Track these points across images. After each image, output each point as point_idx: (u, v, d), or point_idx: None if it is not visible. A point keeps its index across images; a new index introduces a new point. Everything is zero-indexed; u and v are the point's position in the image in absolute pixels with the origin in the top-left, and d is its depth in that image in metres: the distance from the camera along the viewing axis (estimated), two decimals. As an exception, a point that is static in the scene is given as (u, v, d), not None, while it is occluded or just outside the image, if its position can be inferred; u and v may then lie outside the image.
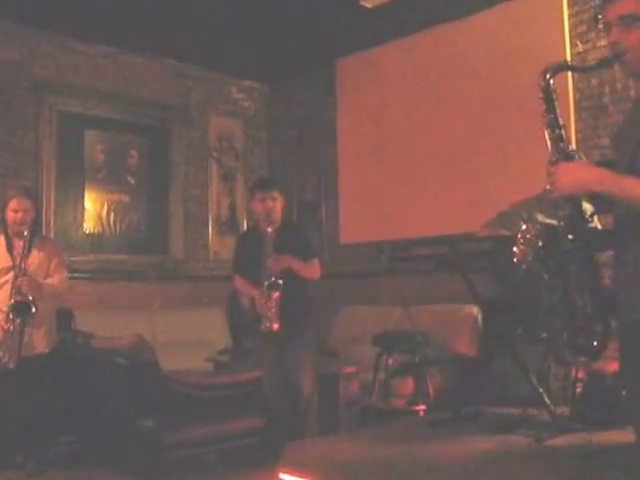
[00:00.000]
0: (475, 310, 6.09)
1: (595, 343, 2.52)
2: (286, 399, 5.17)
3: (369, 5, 6.62)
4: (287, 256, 5.14)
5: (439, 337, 5.95)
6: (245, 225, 8.58)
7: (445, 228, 6.09)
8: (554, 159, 2.55)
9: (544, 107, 2.62)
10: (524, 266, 2.86)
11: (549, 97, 2.61)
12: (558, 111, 2.60)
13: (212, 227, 8.42)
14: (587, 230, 2.56)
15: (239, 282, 5.44)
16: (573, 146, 5.84)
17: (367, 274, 7.34)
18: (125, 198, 7.78)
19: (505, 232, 4.20)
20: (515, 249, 2.90)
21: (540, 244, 2.77)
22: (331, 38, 7.48)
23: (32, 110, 7.14)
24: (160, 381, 5.24)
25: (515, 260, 2.89)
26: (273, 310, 5.01)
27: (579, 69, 2.71)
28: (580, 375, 3.79)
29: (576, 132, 6.02)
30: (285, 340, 5.13)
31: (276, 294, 5.01)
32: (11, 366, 5.13)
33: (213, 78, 8.54)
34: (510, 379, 4.05)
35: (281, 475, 3.28)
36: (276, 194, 5.33)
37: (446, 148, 6.98)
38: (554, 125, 2.59)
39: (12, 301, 5.19)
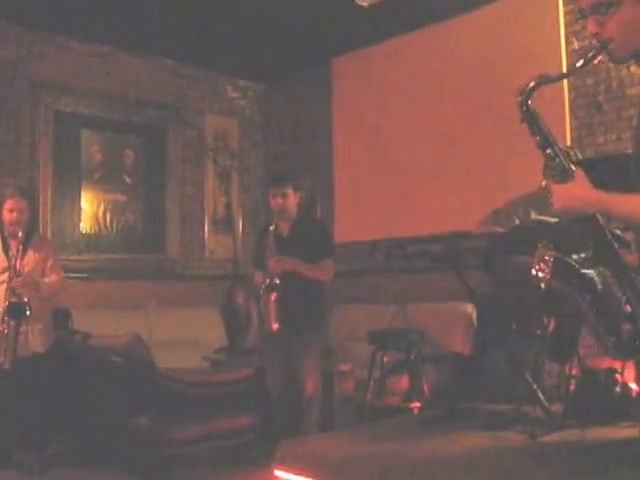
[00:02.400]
0: (470, 308, 6.09)
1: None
2: (289, 397, 5.17)
3: (365, 4, 6.61)
4: (291, 259, 5.08)
5: (434, 335, 5.95)
6: (241, 224, 8.60)
7: (440, 226, 6.09)
8: (551, 177, 2.39)
9: (529, 129, 2.42)
10: (547, 288, 2.74)
11: (531, 117, 2.42)
12: (544, 129, 2.42)
13: (208, 226, 8.42)
14: (606, 233, 2.38)
15: (258, 277, 5.36)
16: (568, 143, 5.87)
17: (362, 272, 7.34)
18: (121, 198, 7.78)
19: (500, 229, 4.22)
20: (540, 275, 2.79)
21: (552, 260, 2.67)
22: (327, 37, 7.48)
23: (28, 110, 7.15)
24: (156, 379, 5.25)
25: (542, 286, 2.79)
26: (272, 311, 4.97)
27: (560, 77, 2.52)
28: (574, 372, 3.80)
29: (571, 130, 6.03)
30: (291, 340, 5.11)
31: (273, 295, 4.97)
32: (7, 366, 5.14)
33: (209, 77, 8.54)
34: (504, 376, 4.06)
35: (276, 472, 3.29)
36: (288, 190, 5.29)
37: (442, 146, 6.99)
38: (545, 145, 2.41)
39: (6, 303, 5.20)
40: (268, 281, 5.00)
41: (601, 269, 2.44)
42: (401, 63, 7.42)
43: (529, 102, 2.42)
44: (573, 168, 2.34)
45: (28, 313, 5.19)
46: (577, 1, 2.37)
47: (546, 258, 2.71)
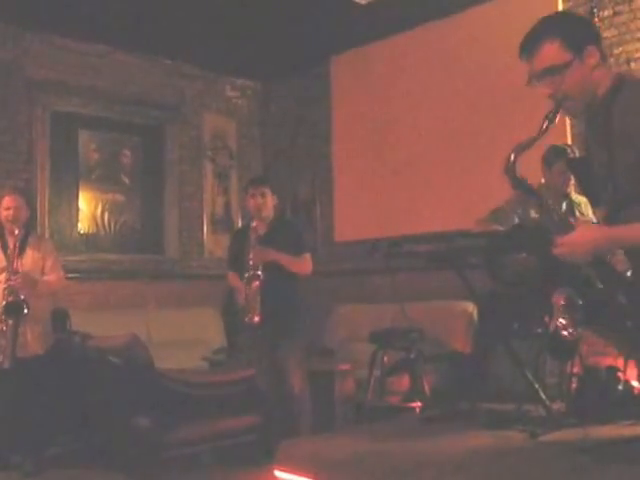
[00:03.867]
0: (470, 306, 6.09)
1: None
2: (279, 396, 5.19)
3: (363, 2, 6.61)
4: (271, 249, 5.19)
5: (435, 334, 5.95)
6: (239, 223, 8.58)
7: (440, 225, 6.09)
8: (554, 230, 2.55)
9: (525, 194, 2.69)
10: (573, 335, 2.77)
11: (524, 187, 2.65)
12: (535, 191, 2.68)
13: (207, 226, 8.42)
14: (615, 274, 2.51)
15: (232, 278, 5.51)
16: (568, 141, 5.85)
17: (362, 272, 7.33)
18: (119, 197, 7.78)
19: (499, 227, 4.21)
20: (562, 322, 2.81)
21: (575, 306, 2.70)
22: (325, 35, 7.48)
23: (26, 110, 7.15)
24: (155, 380, 5.23)
25: (566, 334, 2.81)
26: (254, 302, 5.06)
27: (532, 141, 2.71)
28: (575, 370, 3.78)
29: (571, 127, 6.02)
30: (274, 338, 5.18)
31: (255, 284, 5.06)
32: (6, 366, 5.12)
33: (207, 77, 8.54)
34: (505, 375, 4.05)
35: (276, 473, 3.27)
36: (266, 190, 5.40)
37: (441, 145, 6.99)
38: (541, 205, 2.65)
39: (4, 302, 5.18)
40: (251, 272, 5.09)
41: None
42: (400, 61, 7.42)
43: (516, 174, 2.62)
44: (572, 219, 2.57)
45: (26, 311, 5.19)
46: (529, 69, 2.50)
47: (562, 304, 2.72)
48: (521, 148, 2.62)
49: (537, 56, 2.53)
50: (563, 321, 2.74)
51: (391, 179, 7.41)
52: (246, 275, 5.12)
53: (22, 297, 5.19)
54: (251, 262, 5.13)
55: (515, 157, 2.61)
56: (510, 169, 2.61)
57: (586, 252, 2.42)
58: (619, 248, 2.41)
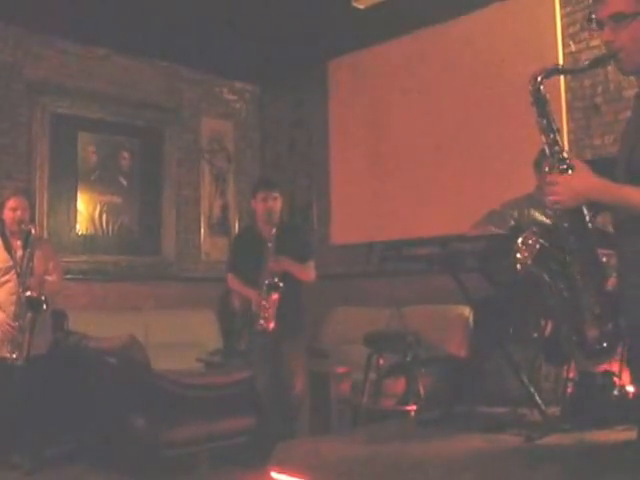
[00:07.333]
0: (466, 310, 6.08)
1: (605, 344, 2.48)
2: (278, 398, 5.20)
3: (361, 6, 6.62)
4: (286, 258, 5.20)
5: (430, 337, 5.94)
6: (237, 226, 8.59)
7: (436, 228, 6.08)
8: (551, 166, 2.51)
9: (536, 112, 2.58)
10: (525, 271, 2.78)
11: (540, 102, 2.57)
12: (551, 115, 2.56)
13: (204, 228, 8.42)
14: (590, 231, 2.49)
15: (233, 281, 5.51)
16: (566, 148, 5.87)
17: (358, 275, 7.34)
18: (117, 199, 7.78)
19: (496, 230, 4.21)
20: (518, 255, 2.82)
21: (537, 247, 2.71)
22: (323, 39, 7.48)
23: (25, 112, 7.14)
24: (152, 381, 5.24)
25: (518, 267, 2.82)
26: (270, 310, 5.07)
27: (571, 71, 2.69)
28: (571, 375, 3.80)
29: (568, 132, 6.03)
30: (279, 340, 5.18)
31: (275, 295, 5.07)
32: (19, 363, 5.14)
33: (205, 80, 8.54)
34: (501, 379, 4.06)
35: (272, 474, 3.29)
36: (277, 194, 5.40)
37: (438, 149, 6.99)
38: (548, 130, 2.55)
39: (28, 293, 5.21)
40: (267, 282, 5.09)
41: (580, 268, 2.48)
42: (397, 65, 7.42)
43: (542, 87, 2.55)
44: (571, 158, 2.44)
45: (45, 307, 5.22)
46: (595, 11, 2.43)
47: (530, 242, 2.75)
48: (561, 70, 2.59)
49: (607, 1, 2.39)
50: (524, 254, 2.78)
51: (388, 183, 7.42)
52: (267, 282, 5.09)
53: (43, 297, 5.23)
54: (271, 271, 5.13)
55: (544, 77, 2.57)
56: (538, 83, 2.56)
57: (578, 196, 2.36)
58: (612, 202, 2.31)
